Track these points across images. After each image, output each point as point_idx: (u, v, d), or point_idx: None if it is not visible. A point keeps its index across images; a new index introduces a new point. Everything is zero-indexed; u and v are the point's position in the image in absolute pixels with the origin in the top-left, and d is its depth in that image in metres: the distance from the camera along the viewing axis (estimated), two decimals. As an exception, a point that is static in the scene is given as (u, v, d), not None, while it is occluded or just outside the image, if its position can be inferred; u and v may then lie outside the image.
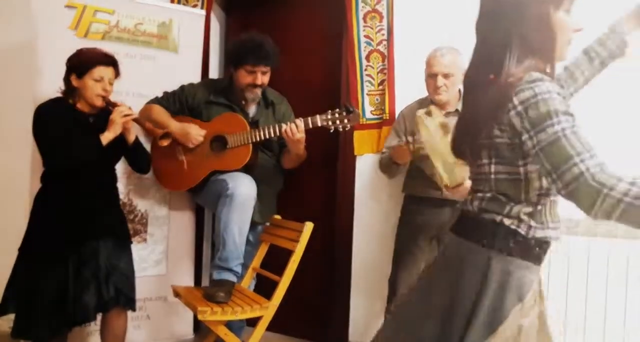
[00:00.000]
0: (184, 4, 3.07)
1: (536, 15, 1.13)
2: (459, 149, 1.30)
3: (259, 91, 2.53)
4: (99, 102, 2.17)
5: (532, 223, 1.15)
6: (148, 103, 2.62)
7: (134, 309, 2.27)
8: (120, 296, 2.17)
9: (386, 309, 2.47)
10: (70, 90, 2.17)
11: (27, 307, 2.06)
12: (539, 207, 1.15)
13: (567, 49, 1.19)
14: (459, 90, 2.32)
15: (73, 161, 2.11)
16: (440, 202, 2.27)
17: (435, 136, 1.94)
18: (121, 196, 2.60)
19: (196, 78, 2.80)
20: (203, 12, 2.95)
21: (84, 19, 2.58)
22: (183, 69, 2.77)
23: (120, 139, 2.22)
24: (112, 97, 2.58)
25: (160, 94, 2.63)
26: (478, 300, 1.13)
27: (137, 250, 2.68)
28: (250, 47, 2.43)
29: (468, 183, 2.12)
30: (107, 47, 2.57)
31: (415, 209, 2.40)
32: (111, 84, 2.19)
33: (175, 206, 2.81)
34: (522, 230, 1.15)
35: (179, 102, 2.59)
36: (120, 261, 2.20)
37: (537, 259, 1.17)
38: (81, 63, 2.13)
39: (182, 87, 2.62)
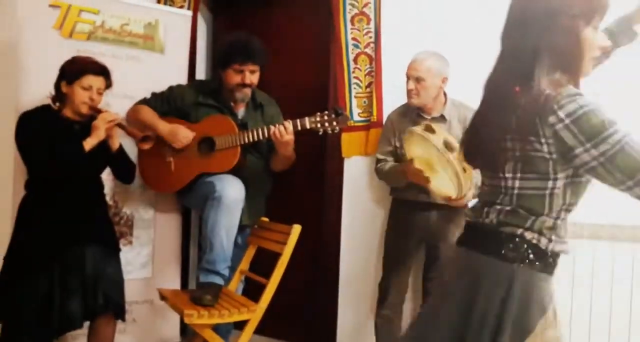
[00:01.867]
0: (170, 5, 3.05)
1: (566, 29, 1.12)
2: (472, 158, 1.29)
3: (248, 91, 2.51)
4: (84, 110, 2.16)
5: (553, 237, 1.16)
6: (136, 104, 2.59)
7: (123, 319, 2.24)
8: (110, 303, 2.15)
9: (376, 313, 2.48)
10: (59, 96, 2.17)
11: (14, 317, 2.04)
12: (559, 222, 1.16)
13: (591, 65, 1.20)
14: (444, 95, 2.33)
15: (57, 168, 2.09)
16: (428, 206, 2.28)
17: (444, 153, 1.93)
18: (106, 198, 2.58)
19: (183, 79, 2.78)
20: (190, 13, 2.93)
21: (68, 18, 2.54)
22: (169, 70, 2.75)
23: (105, 146, 2.21)
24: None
25: (146, 95, 2.61)
26: (502, 314, 1.13)
27: (123, 253, 2.62)
28: (237, 46, 2.43)
29: (473, 193, 2.14)
30: (92, 47, 2.58)
31: (403, 212, 2.41)
32: (100, 93, 2.18)
33: (161, 208, 2.78)
34: (543, 244, 1.15)
35: (167, 103, 2.57)
36: (108, 268, 2.18)
37: (552, 271, 1.18)
38: (72, 70, 2.13)
39: (171, 88, 2.60)
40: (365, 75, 2.73)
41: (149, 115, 2.52)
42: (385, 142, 2.45)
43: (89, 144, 2.11)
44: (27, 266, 2.06)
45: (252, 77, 2.48)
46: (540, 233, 1.15)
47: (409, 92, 2.26)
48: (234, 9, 3.23)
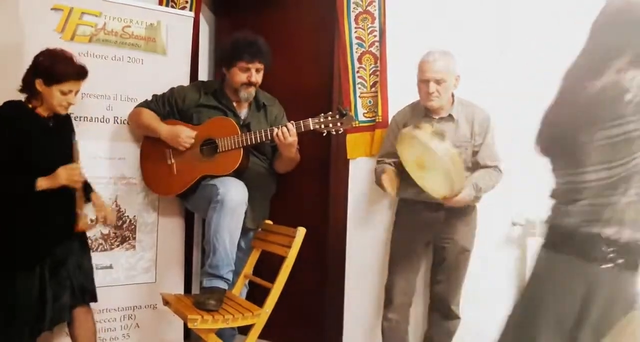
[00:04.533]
0: (172, 6, 3.02)
1: None
2: (550, 153, 1.30)
3: (253, 90, 2.49)
4: (61, 111, 2.14)
5: (634, 228, 1.15)
6: (137, 107, 2.57)
7: (95, 300, 2.29)
8: (86, 294, 2.21)
9: (382, 316, 2.43)
10: (31, 93, 2.11)
11: (6, 313, 2.03)
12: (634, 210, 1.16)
13: None
14: (452, 95, 2.29)
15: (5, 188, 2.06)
16: (436, 206, 2.23)
17: (431, 145, 1.91)
18: (109, 202, 2.56)
19: (185, 81, 2.75)
20: (192, 14, 2.91)
21: (70, 21, 2.53)
22: (172, 71, 2.72)
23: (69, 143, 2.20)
24: (101, 101, 2.56)
25: (148, 97, 2.58)
26: (584, 314, 1.13)
27: (126, 257, 2.64)
28: (243, 44, 2.42)
29: (468, 192, 2.10)
30: (94, 50, 2.56)
31: (409, 213, 2.36)
32: (77, 93, 2.15)
33: (164, 211, 2.75)
34: (624, 237, 1.14)
35: (169, 105, 2.54)
36: (84, 260, 2.23)
37: (635, 267, 1.17)
38: (53, 72, 2.06)
39: (172, 90, 2.58)
40: (370, 75, 2.69)
41: (150, 118, 2.50)
42: (387, 144, 2.41)
43: (41, 186, 2.05)
44: (17, 262, 2.06)
45: (258, 76, 2.46)
46: (622, 222, 1.14)
47: (428, 95, 2.18)
48: (236, 9, 3.20)
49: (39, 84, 2.07)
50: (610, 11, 1.23)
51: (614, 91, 1.12)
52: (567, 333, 1.15)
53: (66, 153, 2.16)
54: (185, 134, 2.42)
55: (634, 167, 1.14)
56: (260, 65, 2.45)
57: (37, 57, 2.11)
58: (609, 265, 1.13)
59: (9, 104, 2.12)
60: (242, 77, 2.44)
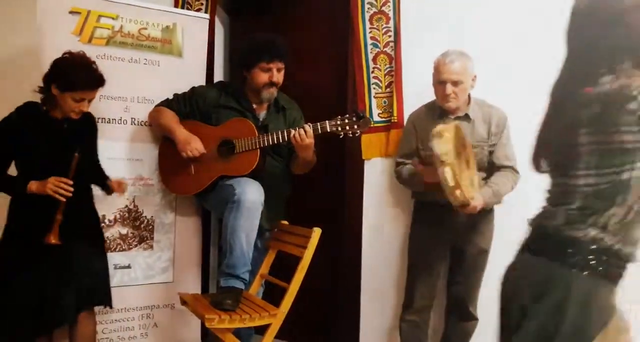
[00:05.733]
0: (187, 8, 3.05)
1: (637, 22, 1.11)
2: (544, 158, 1.27)
3: (274, 91, 2.49)
4: (74, 116, 2.16)
5: (617, 237, 1.12)
6: (158, 105, 2.59)
7: (107, 303, 2.28)
8: (95, 296, 2.20)
9: (401, 317, 2.42)
10: (47, 95, 2.15)
11: (7, 311, 2.07)
12: (629, 218, 1.12)
13: None
14: (469, 95, 2.27)
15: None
16: (454, 207, 2.21)
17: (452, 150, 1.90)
18: (126, 202, 2.60)
19: (201, 82, 2.77)
20: (207, 16, 2.92)
21: (87, 24, 2.56)
22: (187, 73, 2.74)
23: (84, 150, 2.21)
24: (119, 103, 2.60)
25: (164, 99, 2.60)
26: (559, 324, 1.10)
27: (144, 257, 2.66)
28: (262, 44, 2.42)
29: (488, 199, 2.09)
30: (111, 52, 2.59)
31: (427, 215, 2.35)
32: (91, 101, 2.17)
33: (181, 212, 2.77)
34: (607, 242, 1.11)
35: (190, 104, 2.56)
36: (95, 261, 2.22)
37: (616, 280, 1.14)
38: (67, 81, 2.08)
39: (193, 89, 2.60)
40: (384, 75, 2.68)
41: (169, 119, 2.52)
42: (405, 145, 2.40)
43: (31, 188, 2.08)
44: (16, 261, 2.09)
45: (279, 75, 2.47)
46: (605, 229, 1.11)
47: (445, 96, 2.18)
48: (251, 11, 3.21)
49: (53, 88, 2.10)
50: (580, 13, 1.18)
51: (618, 97, 1.08)
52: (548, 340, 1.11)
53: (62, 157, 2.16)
54: (194, 145, 2.42)
55: (625, 177, 1.10)
56: (281, 65, 2.45)
57: (55, 62, 2.13)
58: (588, 272, 1.10)
59: (26, 104, 2.16)
60: (263, 77, 2.44)
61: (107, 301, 2.28)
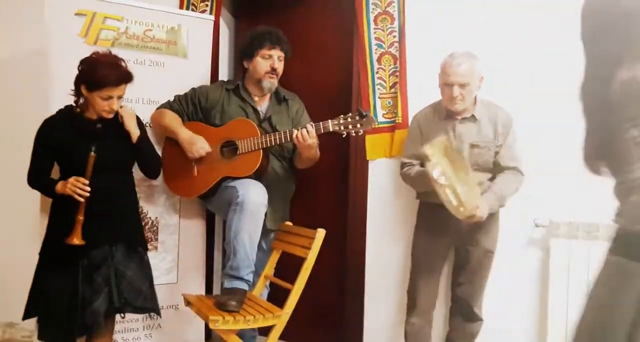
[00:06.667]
0: (192, 10, 3.05)
1: None
2: (598, 160, 1.23)
3: (275, 81, 2.52)
4: (105, 115, 2.17)
5: None
6: (159, 107, 2.60)
7: (159, 314, 2.34)
8: (126, 306, 2.17)
9: (405, 320, 2.40)
10: (79, 97, 2.19)
11: (46, 312, 2.11)
12: None
13: None
14: (475, 96, 2.26)
15: (29, 185, 2.22)
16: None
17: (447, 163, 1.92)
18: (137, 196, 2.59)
19: (206, 83, 2.77)
20: (212, 17, 2.93)
21: (93, 26, 2.57)
22: (193, 74, 2.75)
23: (127, 139, 2.23)
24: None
25: (165, 102, 2.61)
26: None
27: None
28: (263, 32, 2.49)
29: (492, 204, 2.08)
30: (116, 53, 2.57)
31: (431, 216, 2.33)
32: (120, 97, 2.17)
33: (185, 213, 2.78)
34: None
35: (192, 104, 2.57)
36: (129, 269, 2.18)
37: None
38: (91, 79, 2.10)
39: (194, 89, 2.61)
40: (389, 76, 2.67)
41: (172, 121, 2.53)
42: (411, 145, 2.39)
43: (58, 189, 2.11)
44: (54, 263, 2.12)
45: (280, 64, 2.50)
46: None
47: (452, 98, 2.16)
48: (256, 12, 3.21)
49: (83, 89, 2.13)
50: (591, 15, 1.15)
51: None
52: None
53: (115, 154, 2.19)
54: (200, 145, 2.43)
55: None
56: (281, 53, 2.49)
57: (81, 62, 2.15)
58: None
59: (66, 107, 2.21)
60: (265, 64, 2.47)
61: (137, 310, 2.24)
